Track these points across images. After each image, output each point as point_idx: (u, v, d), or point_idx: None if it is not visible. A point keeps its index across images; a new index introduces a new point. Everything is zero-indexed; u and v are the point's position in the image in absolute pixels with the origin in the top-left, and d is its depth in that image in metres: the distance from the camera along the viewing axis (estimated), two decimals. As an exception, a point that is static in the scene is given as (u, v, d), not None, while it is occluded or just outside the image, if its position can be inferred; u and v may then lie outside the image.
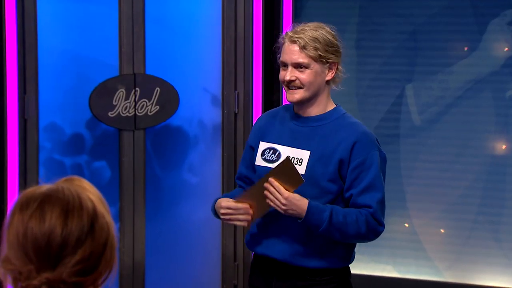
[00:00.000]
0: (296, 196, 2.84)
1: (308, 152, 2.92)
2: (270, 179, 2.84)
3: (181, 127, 4.70)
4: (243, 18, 4.67)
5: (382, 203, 2.91)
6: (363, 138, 2.91)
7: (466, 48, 4.59)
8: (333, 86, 3.01)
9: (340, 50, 2.99)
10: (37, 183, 4.05)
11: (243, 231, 4.74)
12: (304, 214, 2.84)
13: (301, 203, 2.84)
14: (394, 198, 4.62)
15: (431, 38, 4.61)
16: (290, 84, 2.95)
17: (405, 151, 4.68)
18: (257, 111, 4.71)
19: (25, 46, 4.25)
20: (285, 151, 2.95)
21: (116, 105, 4.47)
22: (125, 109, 4.48)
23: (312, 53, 2.91)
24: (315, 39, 2.92)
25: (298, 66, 2.93)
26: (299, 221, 2.87)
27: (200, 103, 4.73)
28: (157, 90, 4.54)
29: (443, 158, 4.62)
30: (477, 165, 4.57)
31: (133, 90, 4.49)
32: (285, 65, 2.96)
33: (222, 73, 4.72)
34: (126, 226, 4.50)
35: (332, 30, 2.99)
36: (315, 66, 2.93)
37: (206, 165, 4.76)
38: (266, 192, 2.86)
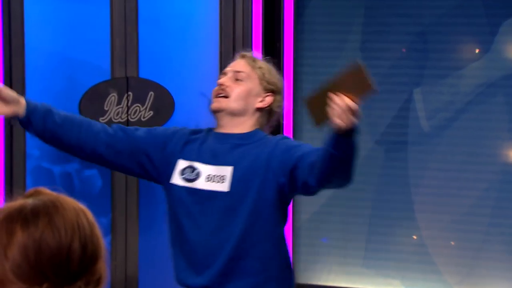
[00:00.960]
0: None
1: (230, 168, 2.85)
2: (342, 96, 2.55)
3: (177, 133, 4.66)
4: (242, 17, 4.64)
5: None
6: (285, 138, 2.92)
7: (477, 50, 4.59)
8: (264, 125, 2.97)
9: (280, 93, 2.99)
10: (24, 192, 4.03)
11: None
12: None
13: None
14: (401, 209, 4.60)
15: (440, 39, 4.60)
16: (219, 90, 2.92)
17: (413, 158, 4.67)
18: (257, 116, 4.66)
19: (12, 48, 4.24)
20: (205, 169, 2.88)
21: (108, 110, 4.44)
22: (117, 115, 4.44)
23: (256, 70, 2.94)
24: (265, 64, 2.97)
25: (236, 76, 2.93)
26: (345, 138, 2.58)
27: (197, 108, 4.71)
28: (151, 94, 4.51)
29: (453, 166, 4.61)
30: (489, 174, 4.56)
31: (126, 95, 4.46)
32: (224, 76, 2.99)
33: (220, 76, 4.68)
34: (118, 238, 4.45)
35: (280, 76, 3.04)
36: (253, 84, 2.92)
37: (202, 173, 4.72)
38: (334, 106, 2.55)
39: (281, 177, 2.79)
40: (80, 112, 4.39)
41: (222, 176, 2.84)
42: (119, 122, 4.45)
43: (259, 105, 2.92)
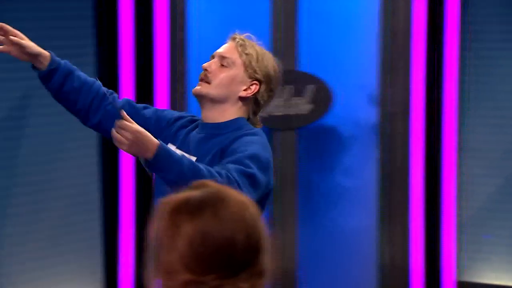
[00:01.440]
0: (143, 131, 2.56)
1: (194, 159, 2.74)
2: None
3: (335, 127, 4.66)
4: (403, 11, 4.57)
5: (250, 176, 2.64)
6: (249, 134, 2.76)
7: None
8: (250, 115, 2.83)
9: (272, 84, 2.82)
10: None
11: (401, 238, 4.65)
12: (155, 149, 2.52)
13: (151, 138, 2.54)
14: None
15: None
16: (202, 76, 2.81)
17: None
18: (418, 110, 4.60)
19: (175, 41, 4.31)
20: None
21: (268, 103, 4.46)
22: (276, 108, 4.45)
23: (244, 56, 2.79)
24: (256, 51, 2.81)
25: (222, 61, 2.80)
26: (149, 161, 2.55)
27: (356, 101, 4.68)
28: (310, 87, 4.50)
29: None
30: None
31: (285, 88, 4.46)
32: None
33: (380, 70, 4.64)
34: (276, 231, 4.47)
35: (277, 63, 2.85)
36: (238, 71, 2.79)
37: (361, 168, 4.70)
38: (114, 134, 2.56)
39: None
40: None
41: None
42: (278, 116, 4.47)
43: (243, 93, 2.78)
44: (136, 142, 2.50)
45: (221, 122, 2.79)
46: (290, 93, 4.49)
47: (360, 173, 4.72)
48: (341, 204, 4.68)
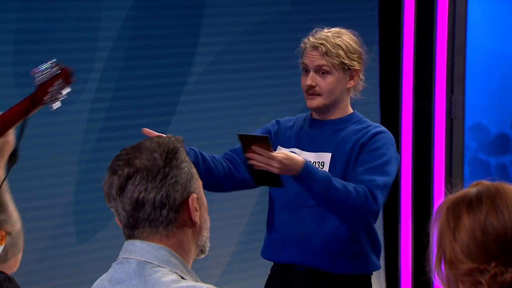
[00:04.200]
0: (289, 155, 2.84)
1: (329, 154, 2.96)
2: (253, 147, 2.82)
3: None
4: None
5: (385, 187, 2.90)
6: (380, 135, 2.94)
7: None
8: (352, 94, 3.00)
9: (363, 57, 2.99)
10: (462, 182, 4.28)
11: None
12: (300, 169, 2.82)
13: (297, 160, 2.83)
14: None
15: None
16: (309, 90, 2.97)
17: None
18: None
19: (455, 47, 4.47)
20: (305, 156, 2.96)
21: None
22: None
23: (334, 60, 2.94)
24: (338, 46, 2.95)
25: (319, 70, 2.96)
26: (293, 178, 2.84)
27: None
28: None
29: None
30: None
31: None
32: (307, 70, 2.99)
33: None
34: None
35: (355, 36, 2.99)
36: (337, 73, 2.95)
37: None
38: (253, 162, 2.83)
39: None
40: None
41: (322, 162, 2.97)
42: None
43: (349, 85, 2.98)
44: (284, 168, 2.82)
45: (341, 118, 3.03)
46: None
47: None
48: None
